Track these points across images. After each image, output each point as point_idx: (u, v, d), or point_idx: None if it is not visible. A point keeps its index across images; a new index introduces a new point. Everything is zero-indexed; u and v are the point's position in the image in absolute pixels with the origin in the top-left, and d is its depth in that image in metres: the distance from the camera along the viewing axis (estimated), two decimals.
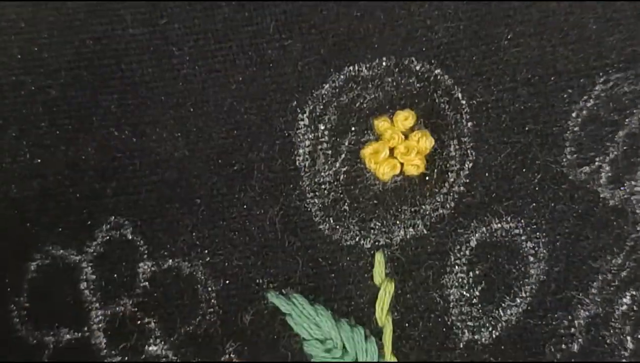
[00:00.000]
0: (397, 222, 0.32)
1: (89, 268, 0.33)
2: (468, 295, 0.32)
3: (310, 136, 0.32)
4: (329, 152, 0.32)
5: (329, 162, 0.32)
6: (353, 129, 0.32)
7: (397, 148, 0.31)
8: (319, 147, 0.32)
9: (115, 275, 0.33)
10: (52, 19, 0.34)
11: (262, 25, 0.33)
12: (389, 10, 0.32)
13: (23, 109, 0.33)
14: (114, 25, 0.33)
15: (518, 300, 0.32)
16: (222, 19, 0.33)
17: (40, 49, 0.34)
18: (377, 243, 0.32)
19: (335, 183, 0.32)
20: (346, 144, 0.32)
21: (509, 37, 0.32)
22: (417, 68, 0.32)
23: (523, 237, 0.32)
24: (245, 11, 0.33)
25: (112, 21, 0.33)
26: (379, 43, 0.32)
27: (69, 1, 0.33)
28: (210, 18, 0.33)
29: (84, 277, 0.33)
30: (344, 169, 0.32)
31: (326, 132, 0.32)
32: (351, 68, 0.32)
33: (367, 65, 0.32)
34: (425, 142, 0.31)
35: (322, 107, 0.32)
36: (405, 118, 0.31)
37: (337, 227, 0.32)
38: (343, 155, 0.32)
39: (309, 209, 0.32)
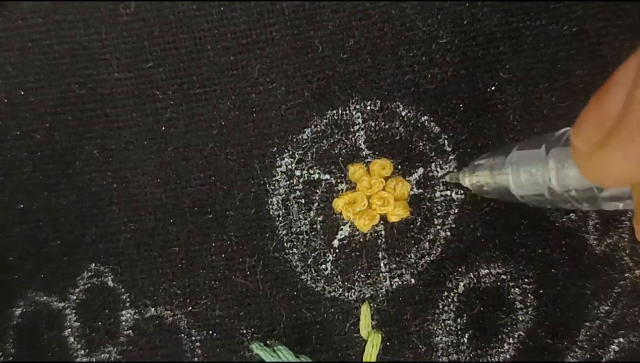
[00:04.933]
0: (382, 272, 0.32)
1: (73, 315, 0.33)
2: (456, 342, 0.31)
3: (286, 184, 0.32)
4: (302, 201, 0.32)
5: (303, 211, 0.32)
6: (328, 177, 0.32)
7: (374, 197, 0.31)
8: (293, 195, 0.32)
9: (99, 323, 0.33)
10: (38, 63, 0.34)
11: (246, 69, 0.33)
12: (376, 54, 0.32)
13: (8, 153, 0.34)
14: (99, 70, 0.33)
15: (506, 347, 0.31)
16: (207, 62, 0.33)
17: (26, 93, 0.34)
18: (362, 295, 0.32)
19: (313, 233, 0.32)
20: (319, 192, 0.32)
21: (496, 83, 0.32)
22: (403, 113, 0.32)
23: (511, 284, 0.31)
24: (230, 55, 0.33)
25: (98, 65, 0.34)
26: (364, 87, 0.32)
27: (56, 45, 0.34)
28: (195, 62, 0.33)
29: (68, 324, 0.33)
30: (319, 219, 0.32)
31: (301, 180, 0.32)
32: (334, 112, 0.32)
33: (351, 109, 0.32)
34: (402, 188, 0.31)
35: (301, 152, 0.32)
36: (382, 167, 0.31)
37: (319, 278, 0.32)
38: (316, 204, 0.32)
39: (289, 259, 0.32)
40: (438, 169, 0.32)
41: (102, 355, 0.32)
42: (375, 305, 0.32)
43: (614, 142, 0.16)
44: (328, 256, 0.32)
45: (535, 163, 0.23)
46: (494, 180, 0.26)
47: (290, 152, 0.32)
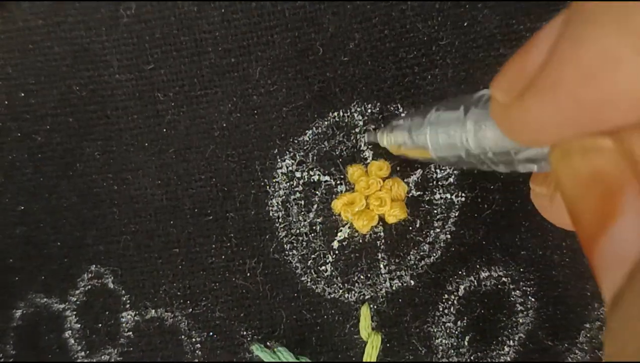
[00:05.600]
0: (382, 274, 0.32)
1: (73, 317, 0.33)
2: (456, 344, 0.31)
3: (286, 185, 0.32)
4: (302, 202, 0.32)
5: (302, 213, 0.32)
6: (328, 178, 0.32)
7: (371, 198, 0.31)
8: (292, 197, 0.32)
9: (100, 325, 0.33)
10: (39, 65, 0.34)
11: (247, 71, 0.33)
12: (376, 56, 0.32)
13: (8, 155, 0.34)
14: (100, 71, 0.33)
15: (506, 349, 0.31)
16: (208, 64, 0.33)
17: (27, 95, 0.34)
18: (362, 296, 0.32)
19: (312, 234, 0.32)
20: (319, 194, 0.32)
21: None
22: (403, 115, 0.32)
23: (512, 286, 0.31)
24: (231, 57, 0.33)
25: (99, 67, 0.33)
26: (365, 89, 0.32)
27: (56, 47, 0.34)
28: (196, 64, 0.33)
29: (69, 325, 0.33)
30: (319, 220, 0.32)
31: (301, 181, 0.32)
32: (335, 114, 0.32)
33: (352, 111, 0.32)
34: (398, 188, 0.31)
35: (302, 154, 0.32)
36: (379, 168, 0.31)
37: (319, 279, 0.32)
38: (316, 206, 0.32)
39: (288, 261, 0.32)
40: (437, 170, 0.32)
41: (103, 357, 0.32)
42: (375, 307, 0.32)
43: (533, 93, 0.16)
44: (328, 257, 0.32)
45: (453, 124, 0.22)
46: (412, 141, 0.26)
47: (292, 154, 0.32)
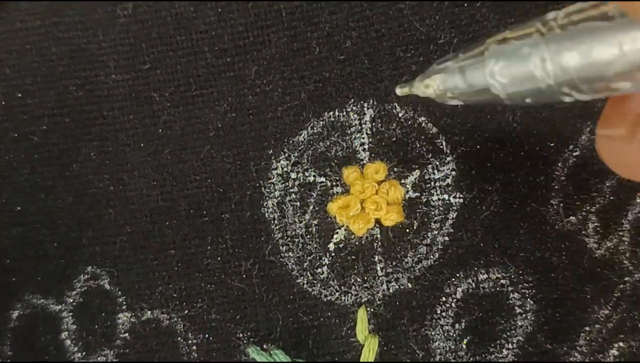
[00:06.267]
0: (378, 276, 0.31)
1: (70, 318, 0.33)
2: (454, 347, 0.31)
3: (281, 186, 0.32)
4: (297, 203, 0.32)
5: (298, 214, 0.32)
6: (323, 179, 0.32)
7: (367, 201, 0.31)
8: (288, 198, 0.32)
9: (96, 326, 0.32)
10: (36, 65, 0.34)
11: (243, 70, 0.33)
12: (373, 55, 0.32)
13: (5, 155, 0.34)
14: (96, 72, 0.33)
15: (505, 352, 0.31)
16: (204, 64, 0.33)
17: (23, 95, 0.34)
18: (358, 299, 0.31)
19: (308, 236, 0.32)
20: (314, 195, 0.32)
21: None
22: (400, 115, 0.32)
23: (510, 288, 0.31)
24: (227, 56, 0.33)
25: (95, 67, 0.33)
26: (361, 88, 0.32)
27: (53, 47, 0.33)
28: (192, 64, 0.33)
29: (65, 326, 0.33)
30: (315, 222, 0.32)
31: (297, 182, 0.32)
32: (331, 114, 0.32)
33: (348, 111, 0.32)
34: (395, 192, 0.31)
35: (297, 154, 0.32)
36: (375, 171, 0.31)
37: (315, 282, 0.32)
38: (311, 207, 0.32)
39: (284, 263, 0.32)
40: (435, 171, 0.31)
41: (99, 358, 0.32)
42: (372, 310, 0.31)
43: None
44: (324, 259, 0.32)
45: (527, 54, 0.20)
46: (466, 82, 0.22)
47: (287, 154, 0.32)
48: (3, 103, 0.34)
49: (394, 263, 0.31)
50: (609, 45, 0.18)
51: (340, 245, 0.32)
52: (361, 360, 0.30)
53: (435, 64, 0.23)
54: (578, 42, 0.19)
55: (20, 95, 0.34)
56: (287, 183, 0.32)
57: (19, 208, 0.33)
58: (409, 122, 0.32)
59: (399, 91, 0.25)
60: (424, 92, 0.24)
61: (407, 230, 0.31)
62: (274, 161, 0.32)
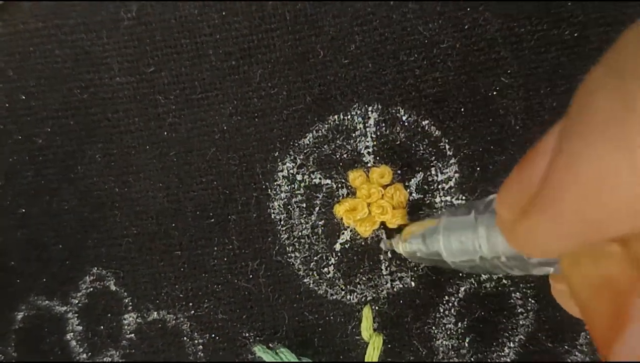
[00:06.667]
0: (383, 275, 0.32)
1: (75, 319, 0.33)
2: (457, 345, 0.32)
3: (287, 188, 0.32)
4: (304, 205, 0.32)
5: (304, 216, 0.32)
6: (329, 182, 0.32)
7: (373, 205, 0.31)
8: (294, 200, 0.32)
9: (102, 327, 0.33)
10: (40, 68, 0.34)
11: (248, 73, 0.33)
12: (377, 59, 0.32)
13: (9, 158, 0.34)
14: (101, 74, 0.33)
15: (507, 351, 0.32)
16: (209, 67, 0.33)
17: (27, 98, 0.34)
18: (364, 298, 0.32)
19: (314, 237, 0.32)
20: (320, 197, 0.32)
21: (497, 88, 0.32)
22: (404, 118, 0.32)
23: (512, 288, 0.31)
24: (232, 60, 0.33)
25: (100, 69, 0.34)
26: (365, 91, 0.32)
27: (57, 50, 0.34)
28: (197, 66, 0.33)
29: (71, 328, 0.33)
30: (321, 223, 0.32)
31: (302, 184, 0.32)
32: (335, 117, 0.32)
33: (352, 114, 0.32)
34: (399, 196, 0.31)
35: (302, 157, 0.32)
36: (381, 175, 0.31)
37: (321, 281, 0.32)
38: (317, 209, 0.32)
39: (291, 263, 0.32)
40: (438, 174, 0.32)
41: (105, 359, 0.32)
42: (376, 308, 0.32)
43: (535, 210, 0.16)
44: (330, 259, 0.32)
45: (465, 230, 0.22)
46: (427, 247, 0.26)
47: (292, 157, 0.32)
48: (7, 105, 0.34)
49: (398, 262, 0.32)
50: None
51: (346, 246, 0.32)
52: (366, 358, 0.31)
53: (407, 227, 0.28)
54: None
55: (24, 97, 0.34)
56: (293, 185, 0.32)
57: (24, 210, 0.33)
58: (413, 126, 0.32)
59: (383, 246, 0.31)
60: (398, 250, 0.29)
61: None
62: (279, 163, 0.32)
